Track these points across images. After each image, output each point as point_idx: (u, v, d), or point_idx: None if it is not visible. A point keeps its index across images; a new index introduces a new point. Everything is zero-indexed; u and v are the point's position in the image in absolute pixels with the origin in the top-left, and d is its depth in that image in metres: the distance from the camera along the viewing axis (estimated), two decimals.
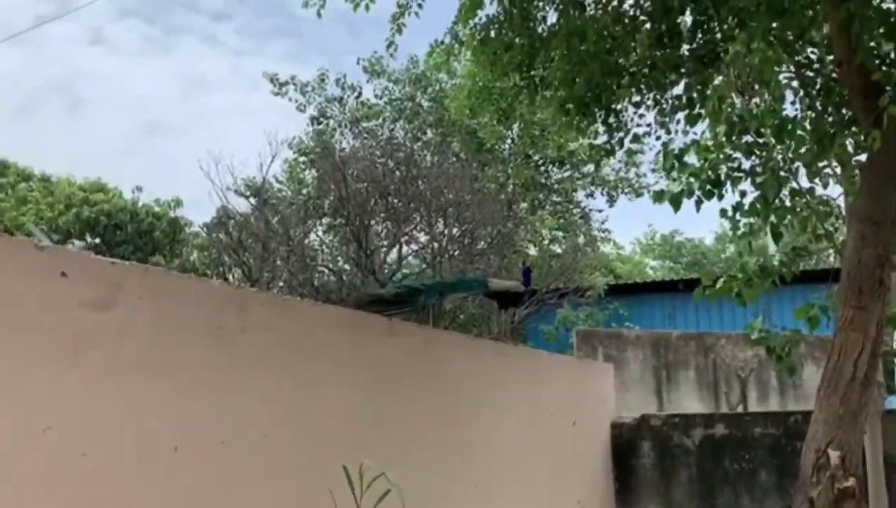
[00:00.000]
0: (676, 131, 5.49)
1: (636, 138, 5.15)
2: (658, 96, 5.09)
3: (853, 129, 4.93)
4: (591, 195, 18.94)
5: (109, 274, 2.64)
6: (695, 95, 5.00)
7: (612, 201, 18.92)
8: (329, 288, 12.91)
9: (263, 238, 12.92)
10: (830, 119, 5.16)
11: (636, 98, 5.05)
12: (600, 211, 19.62)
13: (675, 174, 6.77)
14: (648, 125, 5.09)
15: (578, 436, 6.00)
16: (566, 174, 18.33)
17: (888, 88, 4.09)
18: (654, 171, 19.50)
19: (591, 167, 18.28)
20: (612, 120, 4.98)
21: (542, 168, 18.01)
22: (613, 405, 7.25)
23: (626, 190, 18.81)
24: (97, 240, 16.59)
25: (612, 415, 7.07)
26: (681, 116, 5.30)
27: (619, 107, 5.03)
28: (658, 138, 5.11)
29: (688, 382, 11.64)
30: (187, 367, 2.78)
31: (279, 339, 3.15)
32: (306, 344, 3.31)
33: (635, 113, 5.15)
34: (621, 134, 5.08)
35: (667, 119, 5.08)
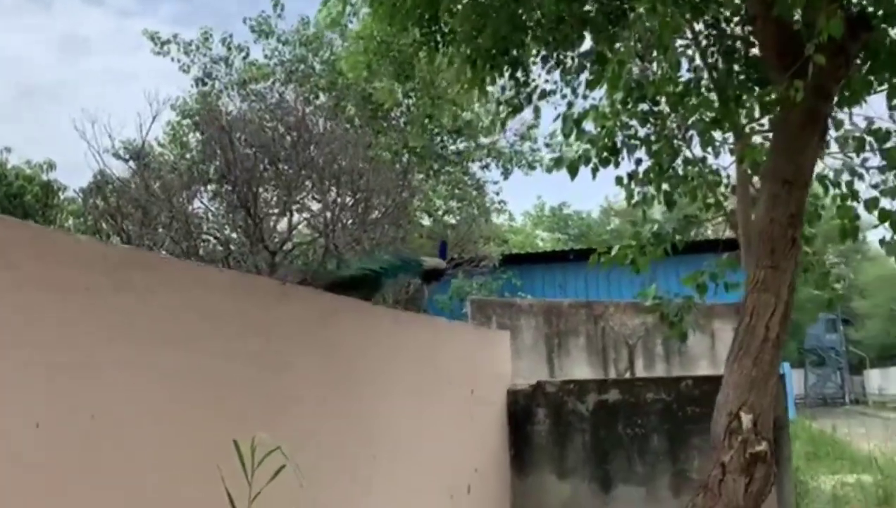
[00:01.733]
0: (577, 95, 5.44)
1: (543, 95, 5.04)
2: (564, 55, 4.98)
3: (758, 90, 4.95)
4: (486, 167, 18.98)
5: None
6: (604, 50, 4.89)
7: (506, 173, 19.02)
8: (216, 257, 12.38)
9: (144, 204, 12.21)
10: (737, 80, 5.16)
11: (543, 53, 4.91)
12: (496, 183, 19.73)
13: (572, 141, 6.76)
14: (555, 83, 4.98)
15: (476, 404, 5.91)
16: (462, 145, 18.26)
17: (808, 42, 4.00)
18: (548, 145, 19.75)
19: (487, 139, 18.28)
20: (519, 74, 4.83)
21: (438, 138, 17.85)
22: (510, 373, 7.21)
23: (521, 163, 18.94)
24: None
25: (508, 383, 7.03)
26: (584, 77, 5.23)
27: (526, 62, 4.87)
28: (564, 97, 5.01)
29: (578, 349, 11.88)
30: (49, 332, 2.44)
31: (158, 303, 2.84)
32: (189, 309, 3.00)
33: (543, 68, 5.02)
34: (529, 89, 4.93)
35: (571, 77, 4.98)
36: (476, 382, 5.96)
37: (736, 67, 5.20)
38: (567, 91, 5.01)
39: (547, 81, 5.01)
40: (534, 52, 4.79)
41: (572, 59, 4.96)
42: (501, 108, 5.11)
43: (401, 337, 4.61)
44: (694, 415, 6.42)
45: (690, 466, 6.32)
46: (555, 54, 4.92)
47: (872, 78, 4.74)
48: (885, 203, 5.20)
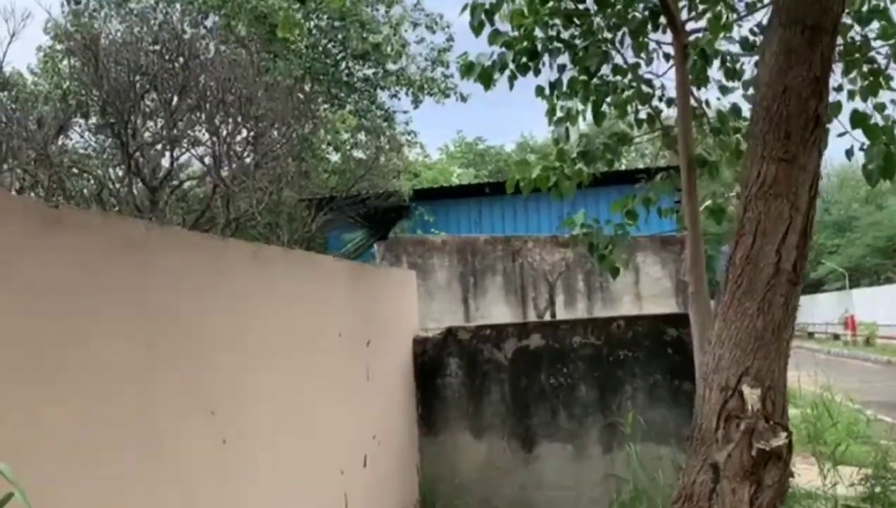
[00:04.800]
0: None
1: None
2: None
3: None
4: (395, 96, 17.74)
5: None
6: None
7: (417, 102, 17.82)
8: (88, 195, 11.00)
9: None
10: None
11: None
12: (405, 112, 18.60)
13: (487, 43, 5.76)
14: None
15: (374, 358, 4.92)
16: (370, 71, 16.95)
17: None
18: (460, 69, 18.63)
19: (395, 65, 17.00)
20: None
21: (343, 64, 16.49)
22: (416, 319, 6.24)
23: (433, 91, 17.75)
24: None
25: (414, 330, 6.06)
26: None
27: None
28: None
29: (495, 288, 11.10)
30: None
31: None
32: None
33: None
34: None
35: None
36: (374, 332, 4.96)
37: None
38: None
39: None
40: None
41: None
42: None
43: (263, 280, 3.53)
44: (627, 360, 5.62)
45: (623, 418, 5.52)
46: None
47: None
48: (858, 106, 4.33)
